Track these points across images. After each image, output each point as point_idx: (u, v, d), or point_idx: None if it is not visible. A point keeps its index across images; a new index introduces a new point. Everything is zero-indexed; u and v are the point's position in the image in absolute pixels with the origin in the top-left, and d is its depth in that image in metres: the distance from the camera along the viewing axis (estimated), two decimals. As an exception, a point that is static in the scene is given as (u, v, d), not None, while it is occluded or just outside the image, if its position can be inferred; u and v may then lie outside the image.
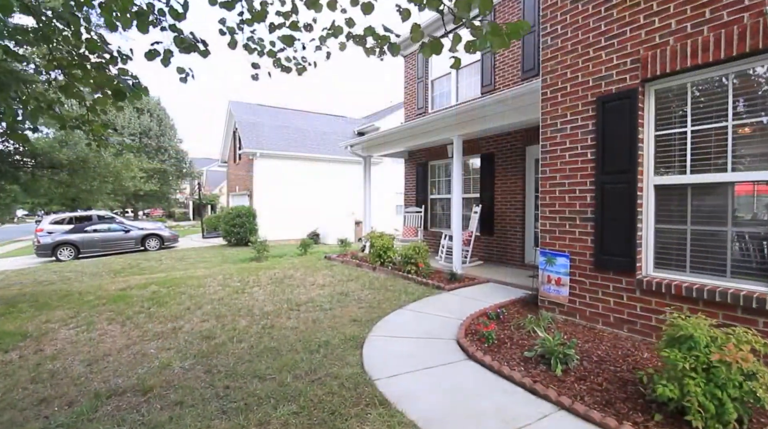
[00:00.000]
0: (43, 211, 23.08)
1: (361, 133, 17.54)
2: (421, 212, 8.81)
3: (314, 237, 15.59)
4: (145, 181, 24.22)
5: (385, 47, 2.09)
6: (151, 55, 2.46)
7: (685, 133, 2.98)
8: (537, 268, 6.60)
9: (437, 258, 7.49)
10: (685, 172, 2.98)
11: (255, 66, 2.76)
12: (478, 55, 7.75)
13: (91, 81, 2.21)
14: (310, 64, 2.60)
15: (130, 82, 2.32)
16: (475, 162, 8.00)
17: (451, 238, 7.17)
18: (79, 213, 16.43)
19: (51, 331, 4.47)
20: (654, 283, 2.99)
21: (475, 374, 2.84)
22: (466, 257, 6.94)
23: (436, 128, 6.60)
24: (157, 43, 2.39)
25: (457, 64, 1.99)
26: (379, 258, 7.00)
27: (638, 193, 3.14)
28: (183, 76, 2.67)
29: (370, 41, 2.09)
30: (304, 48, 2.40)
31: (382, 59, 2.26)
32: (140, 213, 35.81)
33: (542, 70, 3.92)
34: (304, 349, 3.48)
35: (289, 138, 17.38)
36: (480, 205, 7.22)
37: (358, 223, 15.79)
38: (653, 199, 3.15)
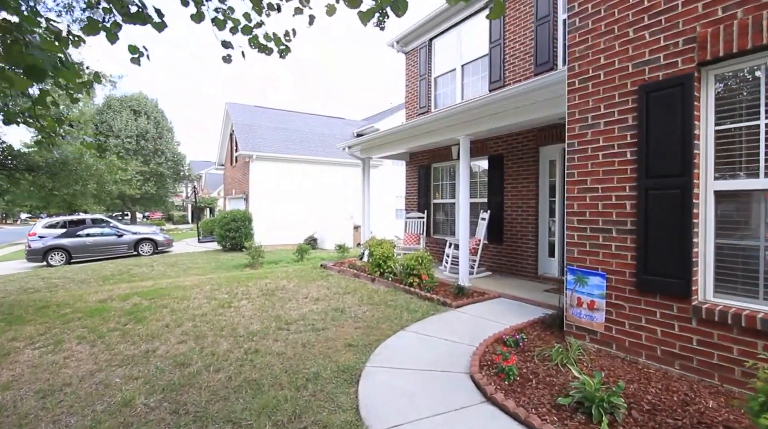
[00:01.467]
0: (44, 214, 22.66)
1: (360, 135, 17.03)
2: (423, 218, 8.25)
3: (311, 242, 15.05)
4: (142, 184, 23.78)
5: (387, 8, 1.55)
6: (90, 27, 1.94)
7: (757, 127, 2.42)
8: (552, 281, 6.09)
9: (441, 268, 6.94)
10: (756, 175, 2.43)
11: (226, 45, 2.23)
12: (485, 49, 7.23)
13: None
14: (290, 40, 2.06)
15: (56, 59, 1.80)
16: (482, 164, 7.46)
17: (456, 246, 6.62)
18: (73, 217, 15.96)
19: (14, 351, 3.97)
20: (717, 312, 2.43)
21: (496, 425, 2.28)
22: (473, 267, 6.38)
23: (441, 127, 6.05)
24: (96, 5, 1.87)
25: None
26: (378, 268, 6.44)
27: (694, 201, 2.59)
28: (135, 56, 2.14)
29: (366, 1, 1.56)
30: (279, 10, 1.87)
31: (382, 28, 1.73)
32: (140, 216, 35.42)
33: (569, 56, 3.38)
34: (290, 383, 2.93)
35: (287, 140, 16.88)
36: (488, 211, 6.67)
37: (356, 228, 15.25)
38: (713, 208, 2.60)
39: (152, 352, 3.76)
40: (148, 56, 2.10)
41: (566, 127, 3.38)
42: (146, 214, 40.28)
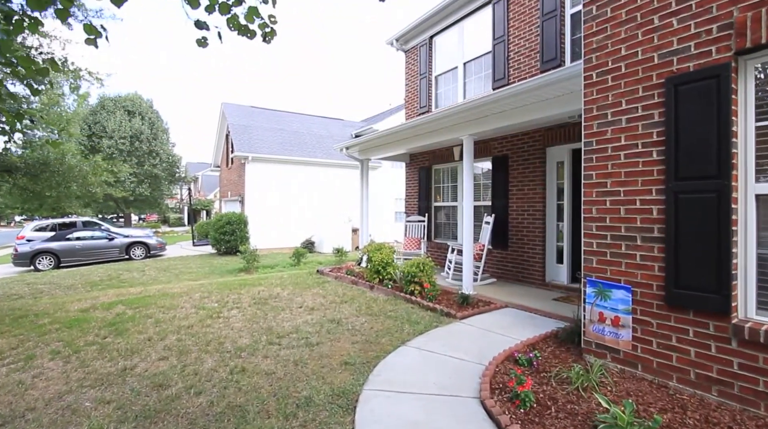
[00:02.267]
0: (38, 217, 22.19)
1: (358, 136, 16.75)
2: (424, 222, 7.96)
3: (309, 245, 14.71)
4: (136, 186, 23.36)
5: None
6: (36, 1, 1.63)
7: (807, 122, 2.15)
8: (561, 289, 5.78)
9: (443, 274, 6.63)
10: (806, 177, 2.15)
11: (200, 26, 1.93)
12: (488, 46, 6.96)
13: None
14: (275, 21, 1.76)
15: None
16: (485, 166, 7.17)
17: (459, 251, 6.32)
18: (63, 219, 15.57)
19: (-21, 368, 3.64)
20: (763, 333, 2.14)
21: (514, 466, 1.97)
22: (476, 274, 6.08)
23: (443, 127, 5.76)
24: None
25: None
26: (377, 274, 6.14)
27: (732, 206, 2.30)
28: (92, 37, 1.84)
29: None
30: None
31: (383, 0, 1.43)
32: (136, 218, 34.88)
33: (585, 47, 3.10)
34: (279, 409, 2.62)
35: (284, 141, 16.57)
36: (493, 215, 6.38)
37: (355, 231, 14.93)
38: (754, 214, 2.31)
39: (130, 370, 3.44)
40: (107, 38, 1.81)
41: (582, 124, 3.10)
42: (142, 216, 39.78)
